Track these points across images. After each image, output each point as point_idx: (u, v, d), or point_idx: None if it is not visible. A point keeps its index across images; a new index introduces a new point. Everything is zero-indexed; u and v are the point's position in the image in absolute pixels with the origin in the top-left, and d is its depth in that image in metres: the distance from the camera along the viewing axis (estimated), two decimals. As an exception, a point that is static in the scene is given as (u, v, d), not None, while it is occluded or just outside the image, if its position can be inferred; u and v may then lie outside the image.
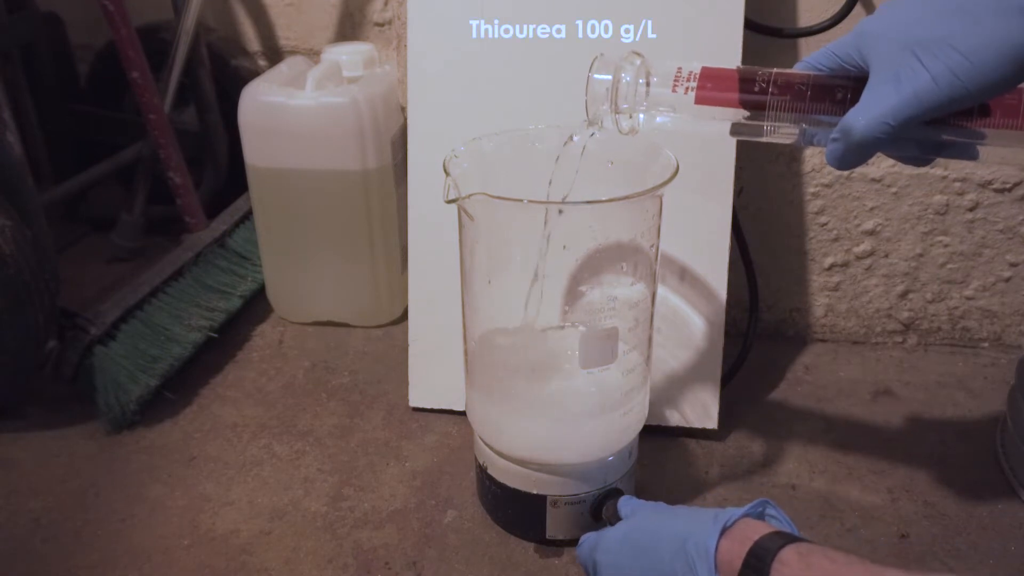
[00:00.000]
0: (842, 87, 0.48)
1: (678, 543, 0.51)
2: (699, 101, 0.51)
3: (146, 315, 0.86)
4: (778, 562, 0.46)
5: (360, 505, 0.70)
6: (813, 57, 0.49)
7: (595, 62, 0.54)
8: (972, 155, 0.48)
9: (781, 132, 0.50)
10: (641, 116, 0.54)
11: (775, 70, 0.50)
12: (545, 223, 0.58)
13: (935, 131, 0.46)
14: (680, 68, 0.52)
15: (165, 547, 0.66)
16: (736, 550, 0.48)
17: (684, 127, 0.54)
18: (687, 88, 0.51)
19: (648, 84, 0.53)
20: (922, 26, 0.43)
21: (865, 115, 0.44)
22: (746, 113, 0.50)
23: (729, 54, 0.71)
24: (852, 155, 0.46)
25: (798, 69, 0.50)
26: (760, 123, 0.50)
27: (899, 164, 0.84)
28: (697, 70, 0.52)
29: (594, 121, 0.55)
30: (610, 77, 0.53)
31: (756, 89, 0.50)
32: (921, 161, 0.50)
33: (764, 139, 0.51)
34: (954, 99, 0.42)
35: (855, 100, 0.46)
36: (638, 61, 0.53)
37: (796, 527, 0.51)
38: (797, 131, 0.50)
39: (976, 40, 0.41)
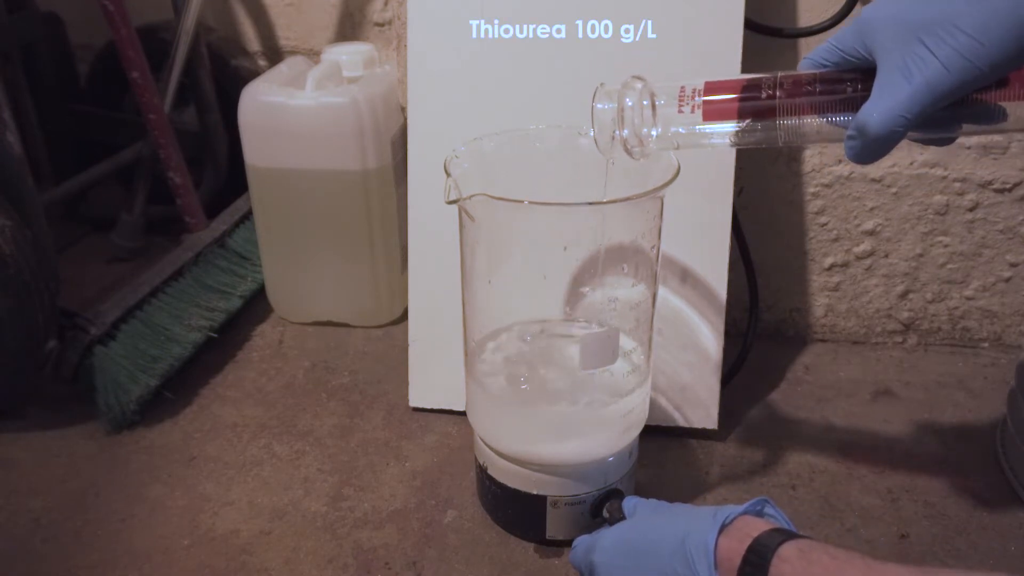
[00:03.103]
0: (851, 81, 0.47)
1: (677, 541, 0.50)
2: (707, 117, 0.50)
3: (146, 315, 0.86)
4: (778, 558, 0.46)
5: (360, 505, 0.70)
6: (816, 53, 0.48)
7: (597, 92, 0.53)
8: (997, 122, 0.46)
9: (796, 136, 0.49)
10: (654, 137, 0.52)
11: (780, 73, 0.49)
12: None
13: (953, 112, 0.45)
14: (683, 87, 0.51)
15: (165, 547, 0.66)
16: (735, 547, 0.48)
17: (697, 146, 0.52)
18: (693, 107, 0.50)
19: (654, 107, 0.51)
20: (924, 7, 0.41)
21: (879, 110, 0.43)
22: (757, 123, 0.49)
23: (729, 54, 0.71)
24: (871, 151, 0.45)
25: (803, 69, 0.49)
26: (773, 130, 0.49)
27: (899, 164, 0.84)
28: (700, 86, 0.50)
29: (605, 151, 0.54)
30: (614, 105, 0.52)
31: (763, 96, 0.48)
32: (944, 140, 0.49)
33: (781, 145, 0.50)
34: (966, 82, 0.41)
35: (866, 93, 0.45)
36: (639, 85, 0.52)
37: (796, 527, 0.51)
38: (812, 132, 0.48)
39: (982, 16, 0.40)
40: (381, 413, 0.82)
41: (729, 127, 0.50)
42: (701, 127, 0.51)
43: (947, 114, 0.45)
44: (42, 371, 0.79)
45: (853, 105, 0.46)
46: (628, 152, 0.53)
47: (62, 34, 1.13)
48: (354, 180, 0.89)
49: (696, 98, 0.50)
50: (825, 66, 0.48)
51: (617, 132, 0.53)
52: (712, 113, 0.50)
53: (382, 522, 0.69)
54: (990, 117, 0.45)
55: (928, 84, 0.41)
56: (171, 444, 0.78)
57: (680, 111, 0.51)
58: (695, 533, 0.50)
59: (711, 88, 0.50)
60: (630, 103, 0.52)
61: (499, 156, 0.64)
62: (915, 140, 0.49)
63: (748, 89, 0.49)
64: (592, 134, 0.54)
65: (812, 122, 0.48)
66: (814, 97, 0.47)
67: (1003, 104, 0.44)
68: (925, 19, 0.41)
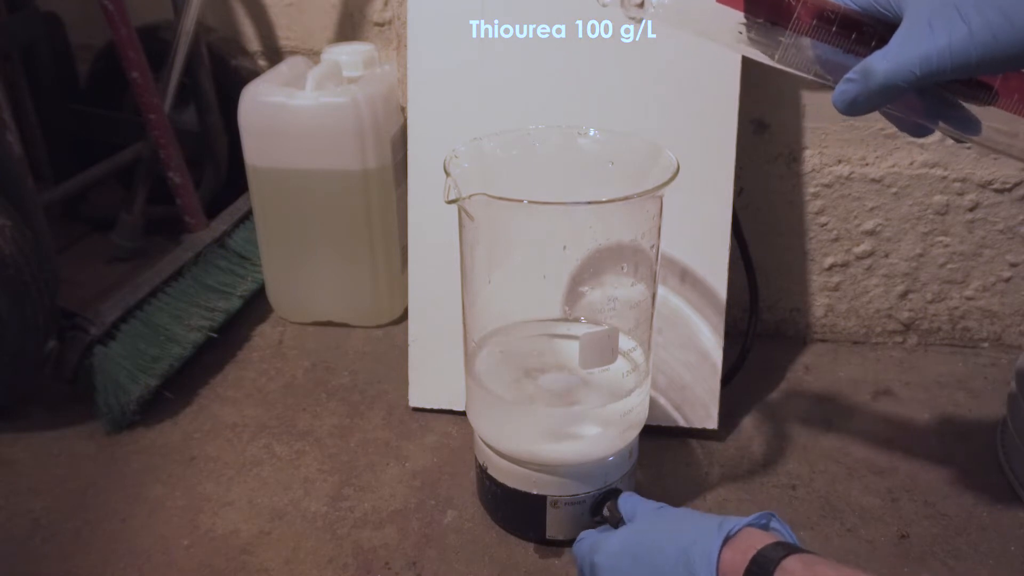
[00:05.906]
0: (871, 26, 0.46)
1: (680, 550, 0.50)
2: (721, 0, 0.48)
3: (146, 315, 0.86)
4: (781, 571, 0.46)
5: (360, 505, 0.70)
6: None
7: None
8: (974, 131, 0.46)
9: (793, 57, 0.48)
10: None
11: None
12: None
13: (946, 99, 0.45)
14: None
15: (165, 547, 0.66)
16: (739, 559, 0.48)
17: (694, 26, 0.51)
18: None
19: None
20: None
21: (891, 59, 0.42)
22: (765, 25, 0.48)
23: (730, 56, 0.70)
24: (865, 99, 0.44)
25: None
26: (776, 39, 0.48)
27: (899, 164, 0.84)
28: None
29: None
30: None
31: (784, 3, 0.47)
32: (919, 129, 0.48)
33: (773, 62, 0.49)
34: (984, 60, 0.40)
35: (880, 44, 0.44)
36: None
37: (796, 527, 0.51)
38: (809, 60, 0.48)
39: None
40: (381, 413, 0.82)
41: (737, 17, 0.48)
42: (709, 5, 0.49)
43: (934, 104, 0.45)
44: (42, 371, 0.79)
45: (864, 50, 0.45)
46: (623, 5, 0.51)
47: (62, 34, 1.13)
48: (354, 180, 0.89)
49: None
50: (850, 6, 0.47)
51: None
52: None
53: (382, 522, 0.69)
54: (966, 127, 0.46)
55: (950, 47, 0.41)
56: (171, 444, 0.78)
57: None
58: (699, 543, 0.50)
59: None
60: None
61: (499, 156, 0.64)
62: (889, 115, 0.48)
63: None
64: None
65: (815, 49, 0.47)
66: (830, 26, 0.47)
67: (984, 116, 0.45)
68: None
